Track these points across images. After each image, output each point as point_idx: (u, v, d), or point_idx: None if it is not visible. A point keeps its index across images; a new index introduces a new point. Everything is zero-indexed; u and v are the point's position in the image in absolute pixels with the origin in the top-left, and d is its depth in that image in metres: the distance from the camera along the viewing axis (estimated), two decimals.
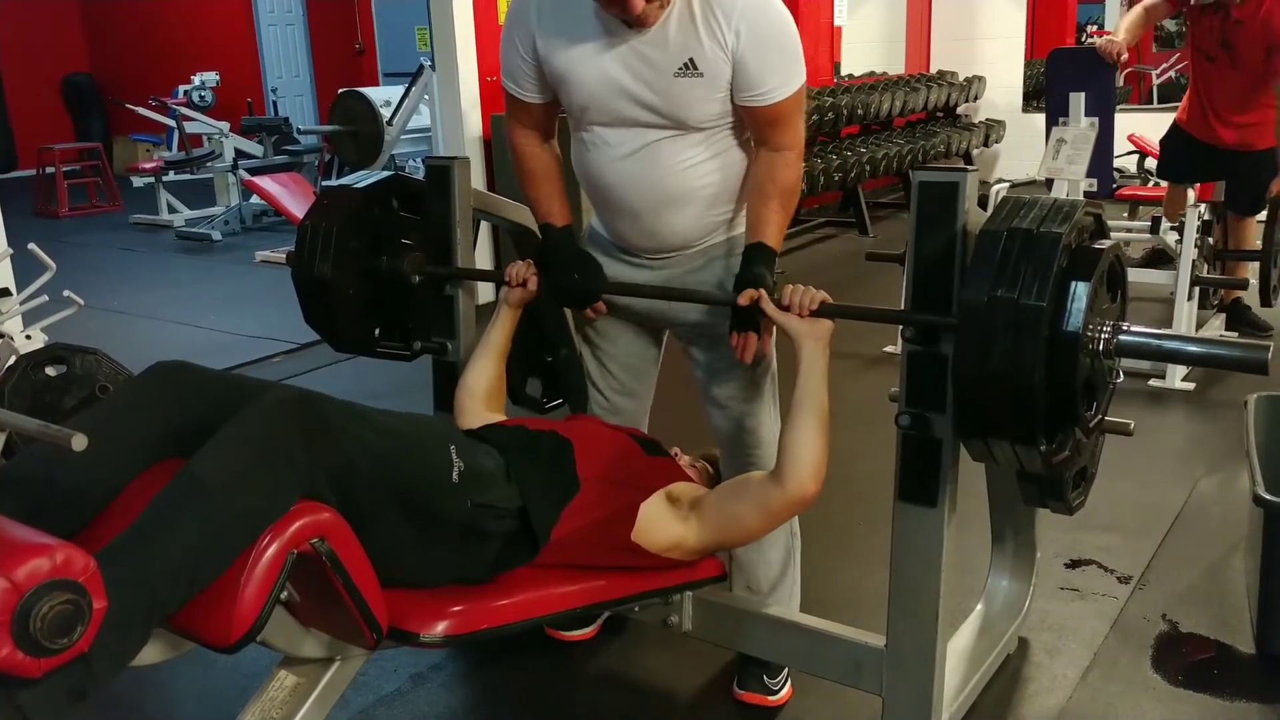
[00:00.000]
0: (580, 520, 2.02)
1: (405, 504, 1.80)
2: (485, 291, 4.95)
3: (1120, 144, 6.39)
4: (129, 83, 12.62)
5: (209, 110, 10.35)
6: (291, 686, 1.86)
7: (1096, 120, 4.73)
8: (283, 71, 12.95)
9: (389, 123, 7.93)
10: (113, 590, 1.41)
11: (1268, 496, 2.51)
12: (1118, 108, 5.10)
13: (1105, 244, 1.82)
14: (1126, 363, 1.91)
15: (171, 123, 10.07)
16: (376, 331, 2.60)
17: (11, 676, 1.33)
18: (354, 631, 1.75)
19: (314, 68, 13.08)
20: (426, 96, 7.93)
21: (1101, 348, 1.80)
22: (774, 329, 2.20)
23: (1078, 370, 1.73)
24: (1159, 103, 11.30)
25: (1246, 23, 4.52)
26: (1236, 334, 4.95)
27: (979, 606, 2.62)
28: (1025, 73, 10.13)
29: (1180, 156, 5.11)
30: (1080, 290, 1.72)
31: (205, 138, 9.73)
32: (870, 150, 7.96)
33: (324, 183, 8.55)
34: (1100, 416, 1.91)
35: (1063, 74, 4.97)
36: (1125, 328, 1.85)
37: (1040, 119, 5.39)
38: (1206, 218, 4.58)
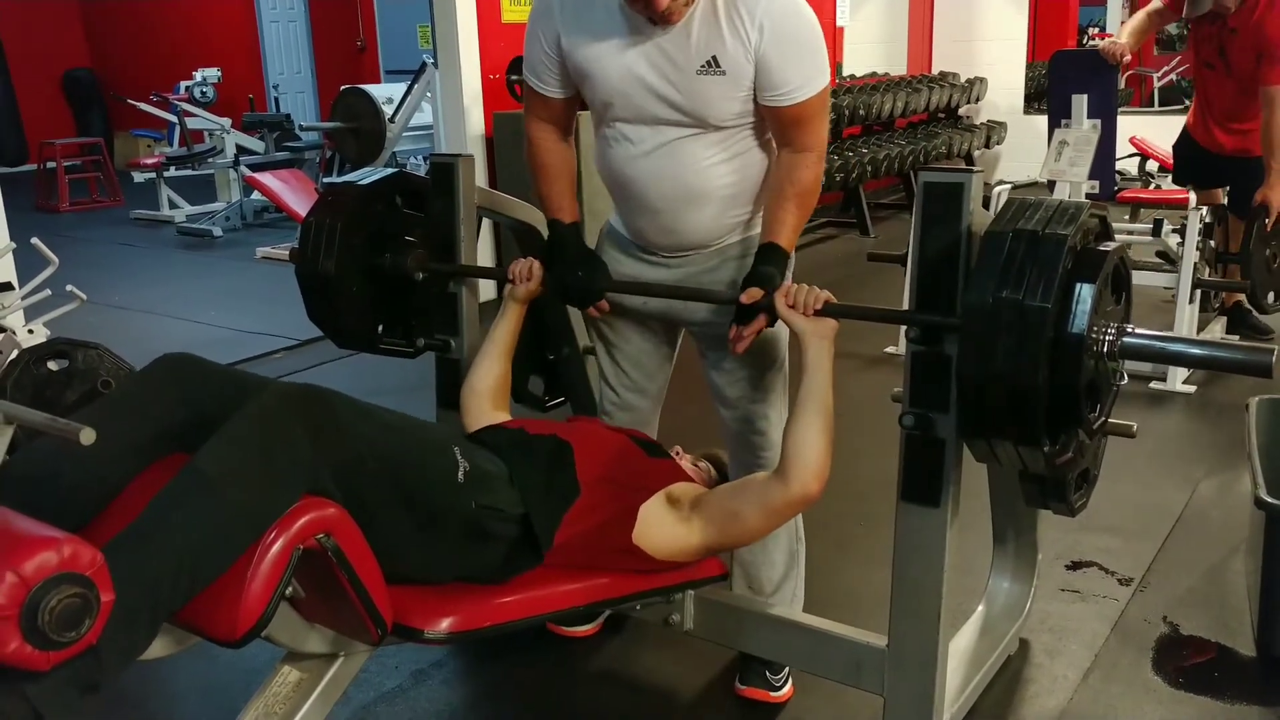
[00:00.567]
0: (582, 525, 2.02)
1: (410, 501, 1.81)
2: (487, 289, 4.96)
3: (1122, 146, 6.40)
4: (130, 78, 12.62)
5: (210, 106, 10.36)
6: (295, 682, 1.86)
7: (1099, 122, 4.74)
8: (284, 68, 12.95)
9: (391, 120, 7.92)
10: (120, 584, 1.41)
11: (1269, 499, 2.52)
12: (1119, 110, 5.11)
13: (1110, 246, 1.83)
14: (1127, 365, 1.91)
15: (173, 118, 10.08)
16: (380, 328, 2.60)
17: (20, 670, 1.34)
18: (358, 627, 1.75)
19: (315, 64, 13.07)
20: (429, 94, 7.92)
21: (1106, 349, 1.80)
22: (787, 331, 2.21)
23: (1082, 372, 1.73)
24: (1160, 105, 11.32)
25: (1240, 31, 4.55)
26: (1238, 337, 4.96)
27: (980, 607, 2.62)
28: (1026, 74, 10.14)
29: (1189, 163, 5.14)
30: (1085, 292, 1.72)
31: (207, 133, 9.74)
32: (872, 151, 7.96)
33: (325, 179, 8.55)
34: (1104, 418, 1.91)
35: (1065, 76, 4.97)
36: (1129, 330, 1.85)
37: (1041, 121, 5.39)
38: (1208, 220, 4.58)
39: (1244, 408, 2.99)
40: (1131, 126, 7.89)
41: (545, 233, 2.49)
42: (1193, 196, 4.66)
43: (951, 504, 1.97)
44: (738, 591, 2.48)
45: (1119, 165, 6.36)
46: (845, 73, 8.86)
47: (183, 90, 10.69)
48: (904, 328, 1.98)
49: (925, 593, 2.02)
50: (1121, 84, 7.35)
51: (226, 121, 9.50)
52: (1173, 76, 11.76)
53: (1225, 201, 4.90)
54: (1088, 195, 4.72)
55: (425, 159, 8.93)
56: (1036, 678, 2.55)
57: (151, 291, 6.72)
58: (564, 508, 2.01)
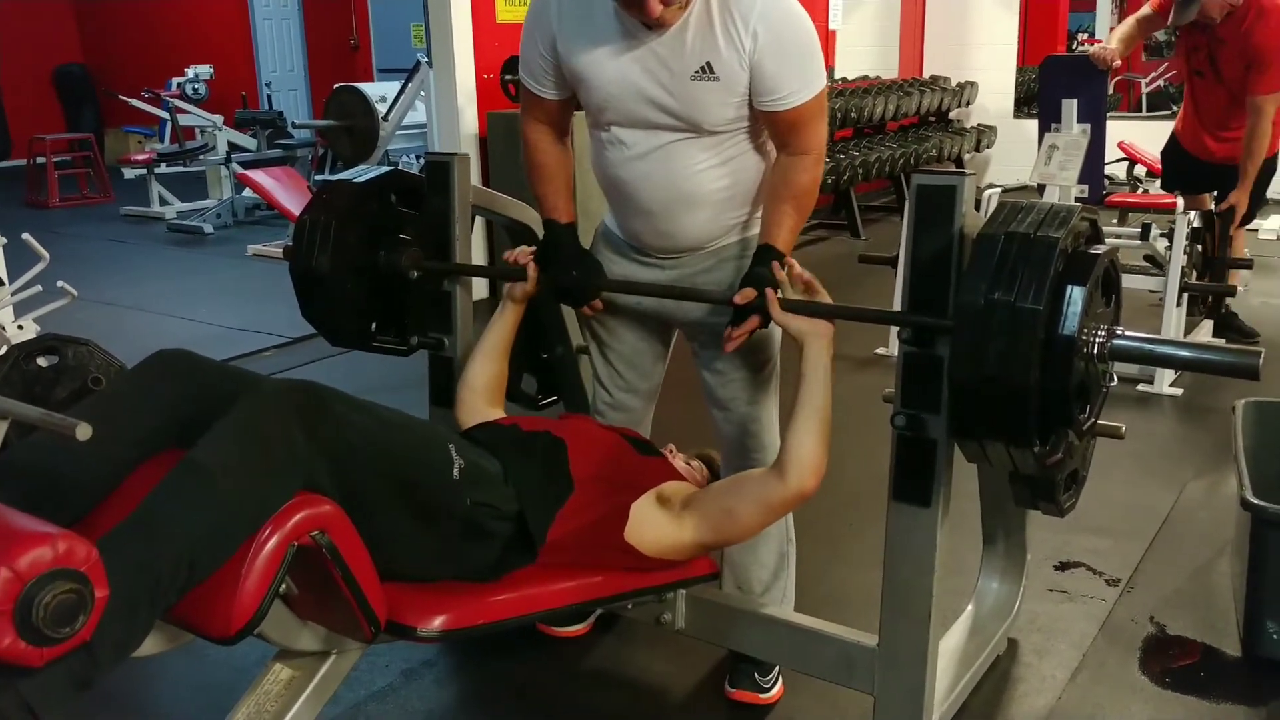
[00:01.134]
0: (575, 522, 2.03)
1: (406, 497, 1.81)
2: (480, 287, 4.96)
3: (1110, 151, 6.42)
4: (122, 74, 12.58)
5: (202, 103, 10.34)
6: (287, 680, 1.86)
7: (1088, 127, 4.76)
8: (277, 65, 12.92)
9: (384, 118, 7.92)
10: (114, 579, 1.41)
11: (1255, 501, 2.53)
12: (1108, 115, 5.13)
13: (1100, 249, 1.84)
14: (1116, 367, 1.92)
15: (164, 115, 10.07)
16: (373, 326, 2.60)
17: (14, 666, 1.34)
18: (351, 625, 1.75)
19: (308, 62, 13.05)
20: (422, 93, 7.92)
21: (1096, 351, 1.82)
22: (779, 335, 2.21)
23: (1072, 373, 1.75)
24: (1148, 111, 11.37)
25: (1229, 40, 4.59)
26: (1225, 340, 4.98)
27: (969, 607, 2.64)
28: (1017, 79, 10.19)
29: (1178, 169, 5.18)
30: (1076, 294, 1.73)
31: (198, 130, 9.73)
32: (863, 154, 7.99)
33: (317, 177, 8.55)
34: (1093, 420, 1.93)
35: (1055, 80, 4.99)
36: (1119, 332, 1.86)
37: (1031, 125, 5.43)
38: (1196, 225, 4.60)
39: (1230, 410, 3.01)
40: (1120, 131, 7.93)
41: (540, 232, 2.49)
42: (1180, 201, 4.69)
43: (942, 504, 1.98)
44: (728, 592, 2.49)
45: (1107, 170, 6.38)
46: (837, 76, 8.88)
47: (175, 87, 10.67)
48: (895, 329, 1.99)
49: (916, 592, 2.03)
50: (1110, 89, 7.38)
51: (218, 118, 9.49)
52: (1160, 82, 11.83)
53: (1213, 206, 4.93)
54: (1077, 199, 4.74)
55: (418, 158, 8.93)
56: (1025, 677, 2.57)
57: (142, 288, 6.70)
58: (557, 505, 2.02)
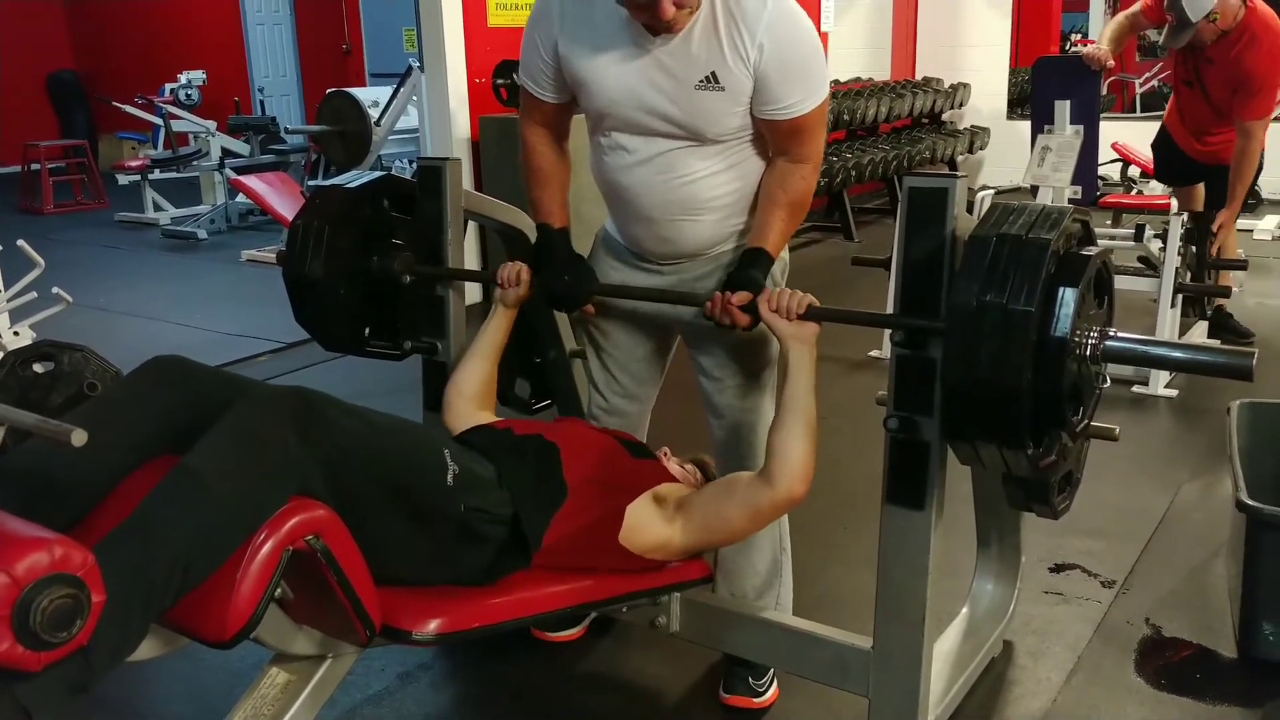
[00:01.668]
0: (569, 526, 2.03)
1: (400, 502, 1.82)
2: (473, 292, 4.96)
3: (1104, 152, 6.44)
4: (115, 80, 12.57)
5: (195, 109, 10.33)
6: (283, 684, 1.87)
7: (1081, 128, 4.77)
8: (270, 71, 12.92)
9: (377, 123, 7.92)
10: (111, 584, 1.41)
11: (1249, 502, 2.54)
12: (1102, 116, 5.14)
13: (1092, 250, 1.85)
14: (1111, 369, 1.93)
15: (158, 121, 10.04)
16: (367, 331, 2.60)
17: (11, 670, 1.34)
18: (347, 629, 1.76)
19: (301, 67, 13.05)
20: (414, 97, 7.92)
21: (1088, 353, 1.82)
22: (777, 348, 2.22)
23: (1064, 375, 1.75)
24: (1143, 111, 11.39)
25: (1218, 62, 4.59)
26: (1219, 341, 5.00)
27: (964, 610, 2.64)
28: (1009, 80, 10.20)
29: (1167, 161, 5.21)
30: (1068, 296, 1.74)
31: (192, 136, 9.71)
32: (856, 156, 7.99)
33: (311, 182, 8.54)
34: (1087, 421, 1.93)
35: (1048, 81, 5.01)
36: (1112, 333, 1.87)
37: (1024, 126, 5.43)
38: (1190, 226, 4.61)
39: (1225, 411, 3.02)
40: (1114, 132, 7.94)
41: (533, 236, 2.50)
42: (1174, 202, 4.70)
43: (936, 507, 1.99)
44: (721, 596, 2.49)
45: (1101, 171, 6.39)
46: (829, 78, 8.88)
47: (168, 93, 10.66)
48: (888, 331, 2.00)
49: (910, 595, 2.04)
50: (1104, 90, 7.40)
51: (211, 124, 9.48)
52: (1155, 83, 11.84)
53: (1202, 207, 4.95)
54: (1070, 200, 4.75)
55: (411, 162, 8.92)
56: (1020, 679, 2.57)
57: (136, 294, 6.70)
58: (553, 509, 2.02)
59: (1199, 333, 5.00)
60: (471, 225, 2.93)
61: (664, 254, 2.33)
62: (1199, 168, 4.99)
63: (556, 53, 2.20)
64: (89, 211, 10.03)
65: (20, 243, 3.70)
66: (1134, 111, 11.58)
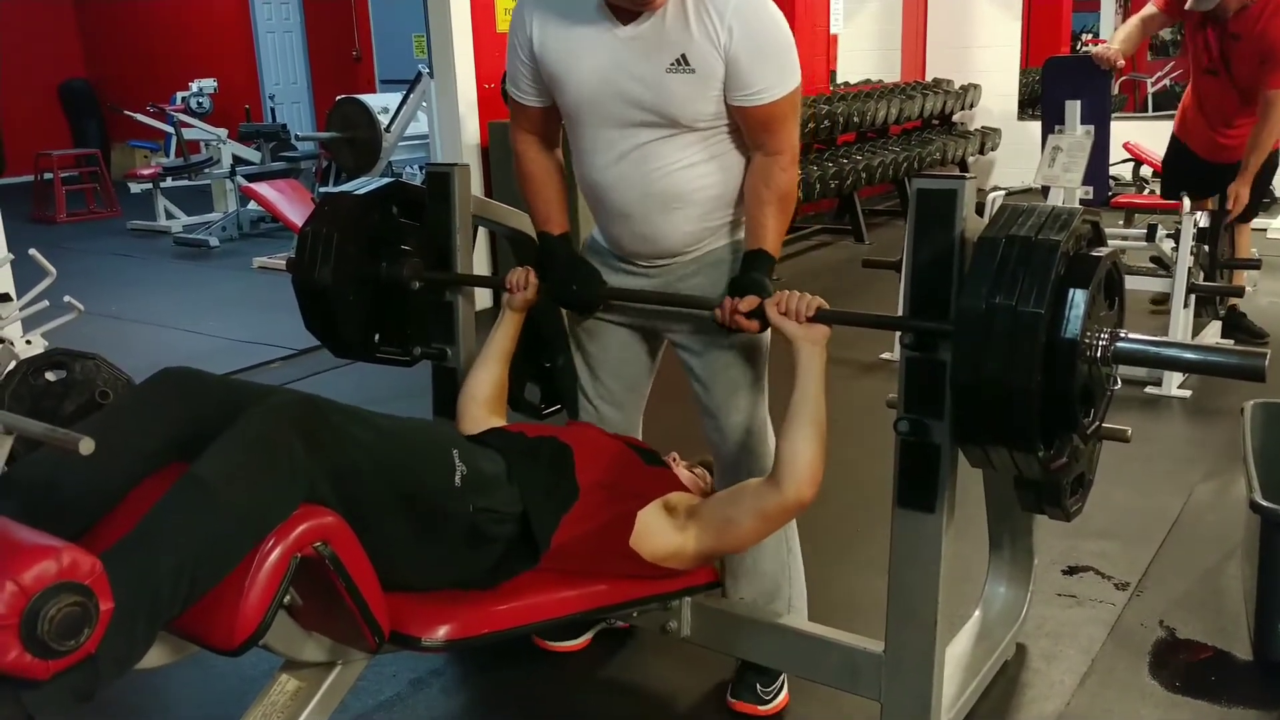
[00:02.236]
0: (580, 527, 2.03)
1: (407, 507, 1.82)
2: (483, 298, 4.96)
3: (1116, 152, 6.42)
4: (126, 89, 12.61)
5: (206, 116, 10.38)
6: (293, 690, 1.87)
7: (1092, 128, 4.75)
8: (280, 78, 12.96)
9: (387, 129, 7.94)
10: (119, 592, 1.42)
11: (1264, 503, 2.52)
12: (1113, 116, 5.12)
13: (1103, 251, 1.83)
14: (1123, 370, 1.92)
15: (169, 129, 10.09)
16: (376, 338, 2.60)
17: (19, 678, 1.34)
18: (355, 635, 1.76)
19: (311, 74, 13.08)
20: (424, 103, 7.94)
21: (1099, 354, 1.81)
22: (768, 349, 2.22)
23: (1075, 377, 1.74)
24: (1154, 111, 11.35)
25: (1243, 37, 4.56)
26: (1233, 341, 4.97)
27: (977, 613, 2.63)
28: (1020, 81, 10.18)
29: (1180, 173, 5.13)
30: (1078, 297, 1.73)
31: (203, 144, 9.75)
32: (866, 158, 7.98)
33: (321, 189, 8.56)
34: (1098, 423, 1.92)
35: (1059, 82, 4.99)
36: (1123, 334, 1.86)
37: (1035, 127, 5.42)
38: (1203, 225, 4.59)
39: (1239, 412, 3.00)
40: (1125, 132, 7.92)
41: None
42: (1186, 202, 4.68)
43: (947, 509, 1.98)
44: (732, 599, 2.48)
45: (1113, 171, 6.37)
46: (839, 80, 8.88)
47: (179, 101, 10.71)
48: (899, 334, 1.99)
49: (921, 598, 2.03)
50: (1115, 90, 7.38)
51: (223, 132, 9.51)
52: (1166, 82, 11.80)
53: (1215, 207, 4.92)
54: (1081, 201, 4.73)
55: (421, 168, 8.93)
56: (1033, 683, 2.56)
57: (148, 302, 6.72)
58: (563, 510, 2.02)
59: (1212, 333, 4.97)
60: (481, 231, 2.93)
61: (645, 254, 2.32)
62: (1215, 173, 4.94)
63: (533, 52, 2.22)
64: (101, 220, 10.06)
65: (32, 252, 3.72)
66: (1145, 111, 11.54)
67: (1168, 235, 4.63)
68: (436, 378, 2.68)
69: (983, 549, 2.67)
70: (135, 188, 9.73)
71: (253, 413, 1.66)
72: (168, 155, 10.52)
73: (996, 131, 9.74)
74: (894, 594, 2.07)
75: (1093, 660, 2.63)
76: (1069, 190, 4.71)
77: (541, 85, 2.26)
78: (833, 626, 2.28)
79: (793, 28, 2.16)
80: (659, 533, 2.07)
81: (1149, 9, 4.94)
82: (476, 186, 6.00)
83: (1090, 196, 4.78)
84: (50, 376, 3.21)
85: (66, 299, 3.61)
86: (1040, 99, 5.39)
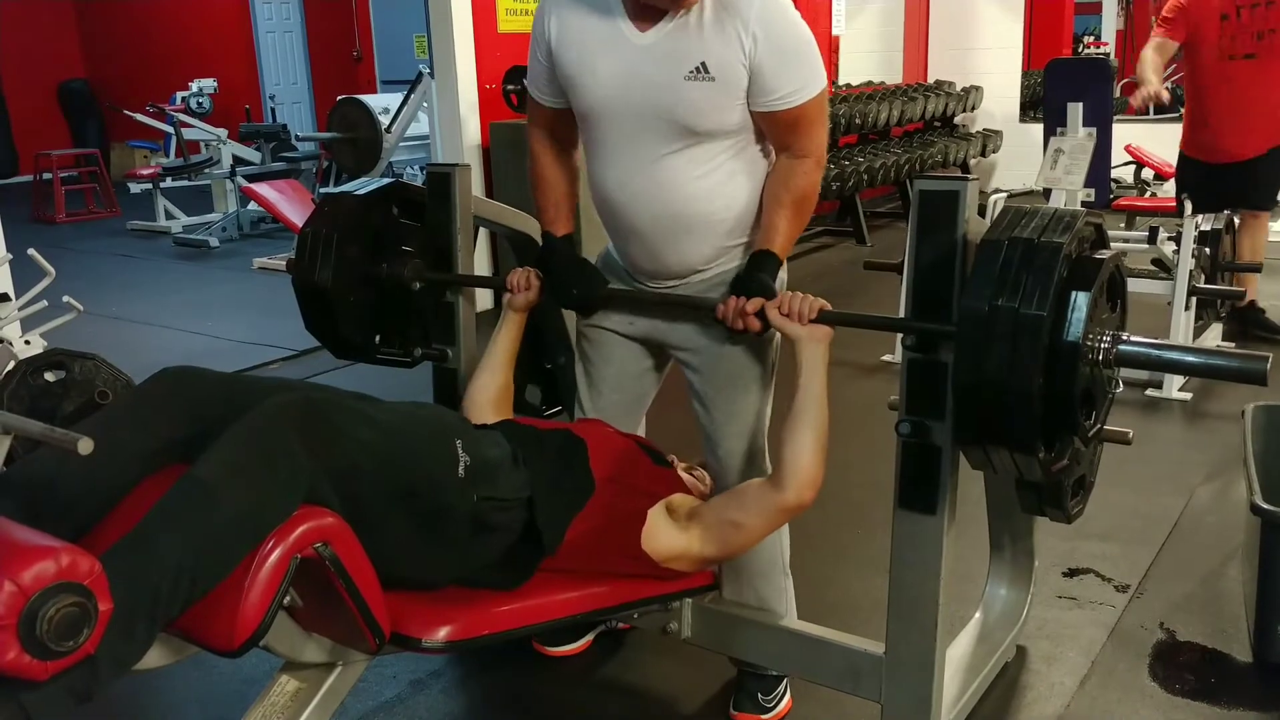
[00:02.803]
0: (592, 522, 2.02)
1: (410, 502, 1.80)
2: (484, 299, 4.96)
3: (1117, 155, 6.41)
4: (126, 88, 12.62)
5: (206, 117, 10.38)
6: (293, 691, 1.87)
7: (1094, 130, 4.75)
8: (281, 78, 12.96)
9: (387, 130, 7.94)
10: (118, 592, 1.41)
11: (1265, 506, 2.52)
12: (1114, 118, 5.11)
13: (1105, 254, 1.83)
14: (1124, 372, 1.91)
15: (169, 129, 10.09)
16: (377, 339, 2.60)
17: (18, 679, 1.34)
18: (356, 636, 1.75)
19: (312, 74, 13.08)
20: (425, 104, 7.94)
21: (1101, 357, 1.81)
22: (773, 375, 2.23)
23: (1077, 379, 1.74)
24: (1155, 114, 11.34)
25: None
26: (1234, 344, 4.97)
27: (977, 615, 2.62)
28: (1022, 83, 10.17)
29: (1201, 185, 5.01)
30: (1080, 300, 1.73)
31: (203, 144, 9.75)
32: (868, 160, 7.98)
33: (322, 190, 8.56)
34: (1099, 425, 1.92)
35: (1061, 84, 4.99)
36: (1125, 337, 1.86)
37: (1037, 129, 5.42)
38: (1204, 228, 4.58)
39: (1240, 415, 3.00)
40: (1127, 135, 7.91)
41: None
42: (1189, 204, 4.67)
43: (948, 511, 1.98)
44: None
45: (1115, 173, 6.37)
46: (841, 81, 8.88)
47: (179, 101, 10.71)
48: (900, 336, 1.99)
49: (922, 600, 2.03)
50: (1117, 92, 7.38)
51: (223, 132, 9.51)
52: (1168, 85, 11.78)
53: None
54: (1083, 203, 4.73)
55: (422, 169, 8.94)
56: (1034, 684, 2.56)
57: (148, 302, 6.72)
58: (578, 505, 2.02)
59: (1213, 336, 4.97)
60: (482, 232, 2.93)
61: (656, 272, 2.28)
62: (1237, 170, 4.89)
63: (550, 51, 2.19)
64: (101, 220, 10.05)
65: (31, 251, 3.71)
66: (1147, 114, 11.52)
67: (1169, 238, 4.62)
68: (437, 379, 2.67)
69: (983, 551, 2.67)
70: (135, 188, 9.74)
71: (253, 414, 1.65)
72: (167, 155, 10.52)
73: (998, 134, 9.75)
74: (895, 595, 2.07)
75: (1093, 662, 2.63)
76: (1071, 193, 4.71)
77: (558, 86, 2.24)
78: (833, 628, 2.28)
79: None
80: (665, 533, 2.07)
81: (1158, 39, 4.90)
82: (477, 187, 6.00)
83: (1092, 199, 4.77)
84: (49, 377, 3.20)
85: (66, 299, 3.60)
86: (1043, 101, 5.38)
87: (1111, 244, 1.92)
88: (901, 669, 2.08)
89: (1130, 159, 7.98)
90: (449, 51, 6.06)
